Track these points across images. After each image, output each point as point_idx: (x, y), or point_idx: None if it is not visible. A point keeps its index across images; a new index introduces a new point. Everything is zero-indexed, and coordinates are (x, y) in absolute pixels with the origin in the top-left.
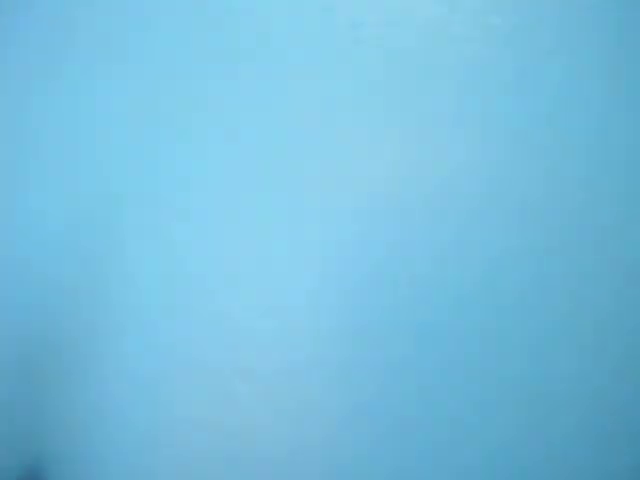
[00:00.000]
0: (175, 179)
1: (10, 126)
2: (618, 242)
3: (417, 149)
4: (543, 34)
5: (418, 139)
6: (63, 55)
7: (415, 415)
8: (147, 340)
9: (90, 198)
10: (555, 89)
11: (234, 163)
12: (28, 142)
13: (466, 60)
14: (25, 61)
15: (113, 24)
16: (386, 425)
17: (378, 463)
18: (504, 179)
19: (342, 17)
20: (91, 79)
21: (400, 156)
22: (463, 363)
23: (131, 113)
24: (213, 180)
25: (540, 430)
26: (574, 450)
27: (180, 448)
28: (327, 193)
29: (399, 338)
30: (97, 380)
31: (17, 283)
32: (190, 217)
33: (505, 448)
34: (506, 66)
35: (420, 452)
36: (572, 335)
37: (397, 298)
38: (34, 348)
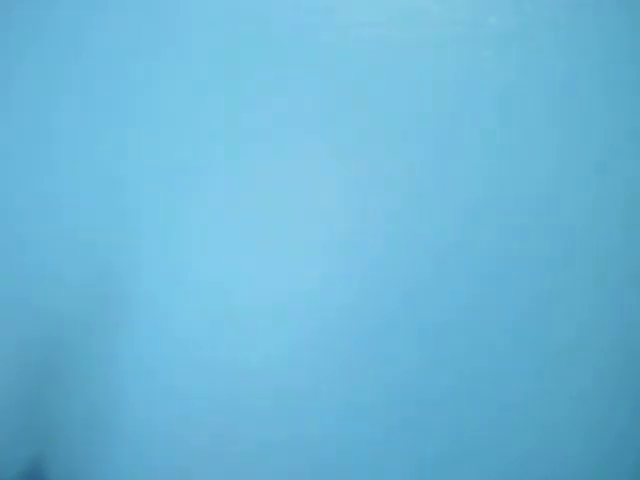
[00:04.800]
0: (185, 190)
1: (27, 136)
2: (627, 247)
3: (417, 147)
4: (542, 34)
5: (418, 138)
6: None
7: (414, 420)
8: (146, 343)
9: (105, 204)
10: (554, 89)
11: (238, 173)
12: (47, 146)
13: (466, 60)
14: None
15: (128, 30)
16: (386, 428)
17: (378, 463)
18: (505, 180)
19: (342, 17)
20: (109, 93)
21: (401, 154)
22: (463, 368)
23: (143, 127)
24: (219, 192)
25: (541, 433)
26: (575, 452)
27: (178, 448)
28: (327, 194)
29: (398, 344)
30: (98, 384)
31: (31, 286)
32: (200, 226)
33: (507, 448)
34: (505, 66)
35: (420, 455)
36: (583, 344)
37: (398, 303)
38: (42, 349)
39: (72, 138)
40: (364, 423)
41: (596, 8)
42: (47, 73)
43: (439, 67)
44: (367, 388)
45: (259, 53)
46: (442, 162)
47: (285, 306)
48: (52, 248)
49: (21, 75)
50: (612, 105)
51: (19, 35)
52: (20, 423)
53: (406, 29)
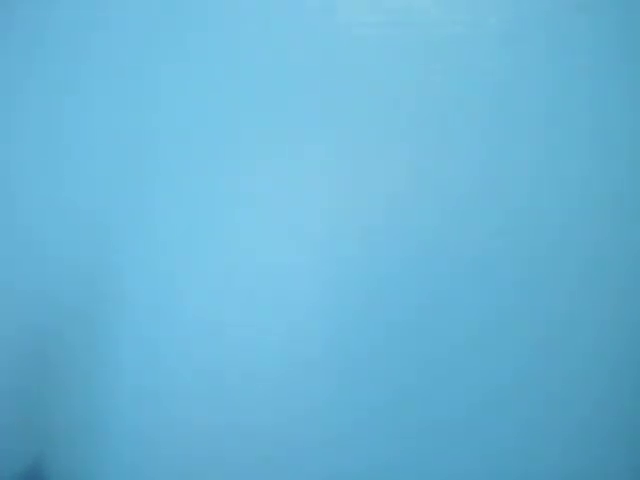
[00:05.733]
0: (184, 188)
1: (30, 135)
2: (615, 242)
3: (416, 148)
4: (542, 34)
5: (418, 138)
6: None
7: (415, 418)
8: (146, 342)
9: (106, 202)
10: (555, 89)
11: (238, 173)
12: (51, 143)
13: (466, 60)
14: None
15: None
16: (387, 428)
17: (378, 465)
18: (503, 178)
19: (342, 17)
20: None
21: (400, 155)
22: (456, 363)
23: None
24: (219, 190)
25: (539, 432)
26: (574, 452)
27: (179, 449)
28: (328, 193)
29: (393, 340)
30: (98, 383)
31: (31, 286)
32: (201, 226)
33: (505, 447)
34: (505, 66)
35: (421, 455)
36: (569, 336)
37: (397, 302)
38: (42, 349)
39: (76, 137)
40: (358, 423)
41: (596, 9)
42: (50, 73)
43: (439, 67)
44: (362, 387)
45: (258, 52)
46: (442, 162)
47: (286, 306)
48: (53, 248)
49: (24, 75)
50: (612, 105)
51: (20, 35)
52: (20, 423)
53: (406, 29)
